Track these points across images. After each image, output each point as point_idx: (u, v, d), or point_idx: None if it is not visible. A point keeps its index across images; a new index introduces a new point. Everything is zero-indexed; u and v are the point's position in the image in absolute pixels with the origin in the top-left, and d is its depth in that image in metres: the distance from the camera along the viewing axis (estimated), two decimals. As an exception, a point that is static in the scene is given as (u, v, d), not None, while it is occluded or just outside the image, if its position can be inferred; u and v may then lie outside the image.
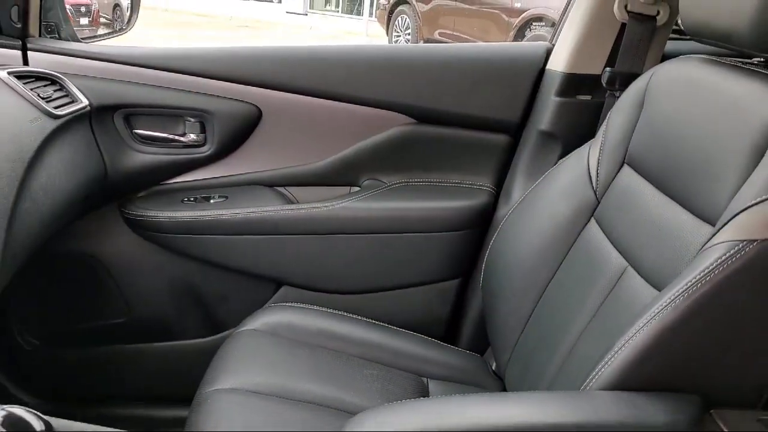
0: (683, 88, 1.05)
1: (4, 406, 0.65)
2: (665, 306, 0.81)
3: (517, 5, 7.00)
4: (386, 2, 10.30)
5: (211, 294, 1.54)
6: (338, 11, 20.94)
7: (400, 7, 9.33)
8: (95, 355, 1.56)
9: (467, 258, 1.53)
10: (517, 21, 6.87)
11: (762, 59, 0.98)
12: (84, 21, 1.79)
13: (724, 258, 0.79)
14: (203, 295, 1.55)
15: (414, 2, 8.86)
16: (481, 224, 1.52)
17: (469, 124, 1.52)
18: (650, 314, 0.82)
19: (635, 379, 0.82)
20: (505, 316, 1.25)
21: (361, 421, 0.79)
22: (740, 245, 0.79)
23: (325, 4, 21.71)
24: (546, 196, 1.26)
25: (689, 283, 0.80)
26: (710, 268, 0.80)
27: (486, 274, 1.35)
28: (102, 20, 2.00)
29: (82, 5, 1.81)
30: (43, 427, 0.65)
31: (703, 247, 0.84)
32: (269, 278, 1.52)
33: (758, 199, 0.81)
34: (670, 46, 1.46)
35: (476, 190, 1.54)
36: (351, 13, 19.54)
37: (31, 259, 1.13)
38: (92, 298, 1.53)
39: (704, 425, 0.81)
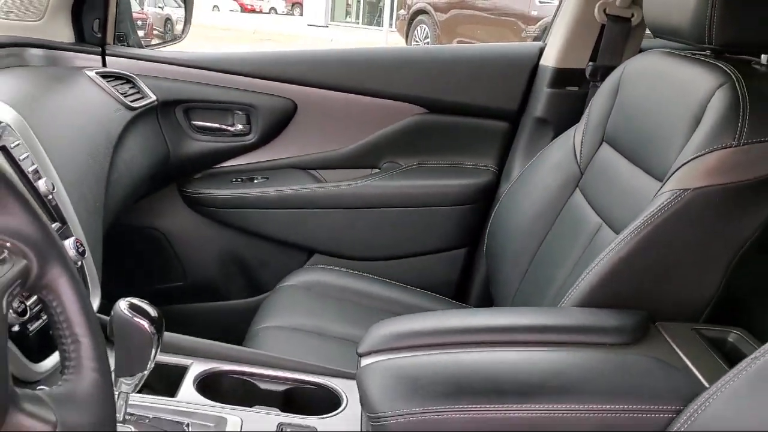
0: (647, 76, 1.28)
1: (125, 298, 0.91)
2: (619, 242, 1.05)
3: (534, 13, 7.22)
4: (405, 12, 10.55)
5: (253, 261, 1.81)
6: (358, 22, 21.24)
7: (420, 17, 9.53)
8: (156, 315, 1.82)
9: (474, 229, 1.78)
10: (533, 28, 7.09)
11: (708, 50, 1.20)
12: (140, 33, 2.04)
13: (664, 204, 1.03)
14: (246, 262, 1.81)
15: (433, 12, 9.07)
16: (485, 199, 1.76)
17: (474, 113, 1.77)
18: (608, 249, 1.06)
19: (596, 299, 1.06)
20: (506, 273, 1.49)
21: (379, 325, 1.04)
22: (677, 193, 1.02)
23: (346, 16, 22.03)
24: (539, 172, 1.50)
25: (637, 225, 1.04)
26: (654, 212, 1.03)
27: (489, 240, 1.59)
28: (155, 32, 2.28)
29: (139, 19, 2.08)
30: (157, 313, 0.90)
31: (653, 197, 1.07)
32: (303, 247, 1.78)
33: (692, 157, 1.04)
34: (648, 42, 1.70)
35: (480, 170, 1.79)
36: (371, 24, 19.84)
37: (107, 229, 1.40)
38: (154, 265, 1.80)
39: (650, 333, 1.04)
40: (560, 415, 0.84)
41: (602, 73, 1.58)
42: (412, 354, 0.94)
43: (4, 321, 0.56)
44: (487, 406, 0.84)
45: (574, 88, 1.68)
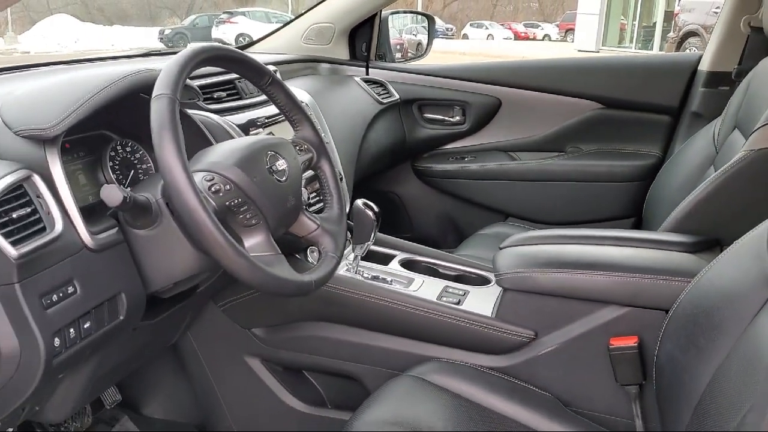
0: (765, 73, 1.64)
1: (360, 199, 1.54)
2: (702, 187, 1.45)
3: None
4: (675, 35, 10.39)
5: (461, 219, 2.40)
6: (632, 47, 20.74)
7: (690, 39, 9.38)
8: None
9: (639, 202, 2.17)
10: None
11: None
12: (398, 55, 2.74)
13: (737, 159, 1.40)
14: (456, 220, 2.41)
15: (704, 33, 8.89)
16: (649, 178, 2.15)
17: (643, 108, 2.19)
18: (693, 193, 1.47)
19: (681, 227, 1.46)
20: None
21: (515, 235, 1.55)
22: (748, 153, 1.40)
23: (620, 41, 21.63)
24: (686, 154, 1.88)
25: (717, 174, 1.43)
26: (731, 164, 1.41)
27: (645, 209, 1.99)
28: (409, 53, 2.99)
29: (398, 44, 2.80)
30: (378, 209, 1.53)
31: None
32: (499, 210, 2.33)
33: (759, 126, 1.40)
34: None
35: (646, 154, 2.20)
36: (646, 48, 19.33)
37: (358, 185, 2.06)
38: (392, 220, 2.48)
39: (712, 250, 1.42)
40: (612, 279, 1.31)
41: (745, 75, 1.91)
42: (527, 246, 1.46)
43: (300, 174, 1.22)
44: (564, 270, 1.34)
45: (726, 88, 2.02)
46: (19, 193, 0.96)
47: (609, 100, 2.22)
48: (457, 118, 2.37)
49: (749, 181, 1.40)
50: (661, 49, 14.15)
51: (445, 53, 14.03)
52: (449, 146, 2.42)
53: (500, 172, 2.29)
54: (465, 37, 29.10)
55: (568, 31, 27.48)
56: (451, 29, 30.63)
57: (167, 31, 22.24)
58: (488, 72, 2.33)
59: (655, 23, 19.10)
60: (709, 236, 1.44)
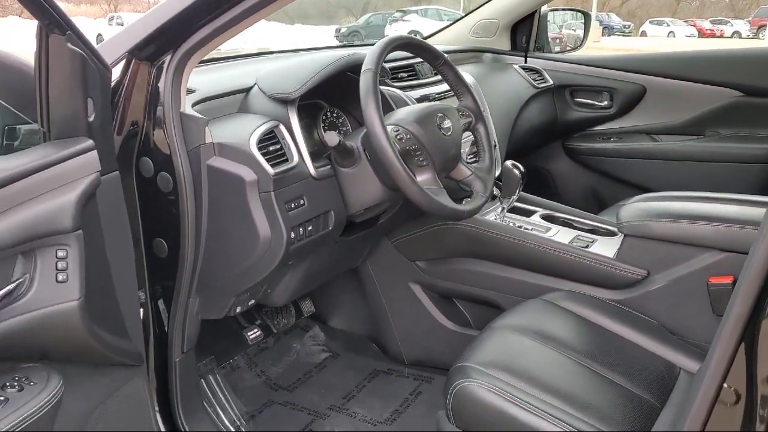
0: None
1: (511, 161, 1.91)
2: None
3: None
4: None
5: (606, 194, 2.67)
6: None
7: None
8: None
9: None
10: None
11: None
12: (556, 49, 3.05)
13: None
14: (600, 194, 2.69)
15: None
16: None
17: None
18: None
19: None
20: None
21: (628, 205, 1.84)
22: None
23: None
24: None
25: None
26: None
27: None
28: (567, 47, 3.29)
29: (557, 38, 3.10)
30: (524, 169, 1.89)
31: None
32: (639, 186, 2.56)
33: None
34: None
35: None
36: None
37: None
38: (542, 192, 2.77)
39: None
40: (714, 228, 1.57)
41: None
42: (646, 202, 1.76)
43: (461, 132, 1.62)
44: (674, 220, 1.62)
45: None
46: (271, 135, 1.44)
47: (748, 88, 2.40)
48: (605, 102, 2.65)
49: None
50: None
51: (619, 50, 13.77)
52: (597, 128, 2.70)
53: (643, 152, 2.55)
54: (643, 34, 27.96)
55: (760, 27, 25.58)
56: (629, 26, 29.50)
57: (343, 29, 23.42)
58: (635, 62, 2.59)
59: None
60: None
